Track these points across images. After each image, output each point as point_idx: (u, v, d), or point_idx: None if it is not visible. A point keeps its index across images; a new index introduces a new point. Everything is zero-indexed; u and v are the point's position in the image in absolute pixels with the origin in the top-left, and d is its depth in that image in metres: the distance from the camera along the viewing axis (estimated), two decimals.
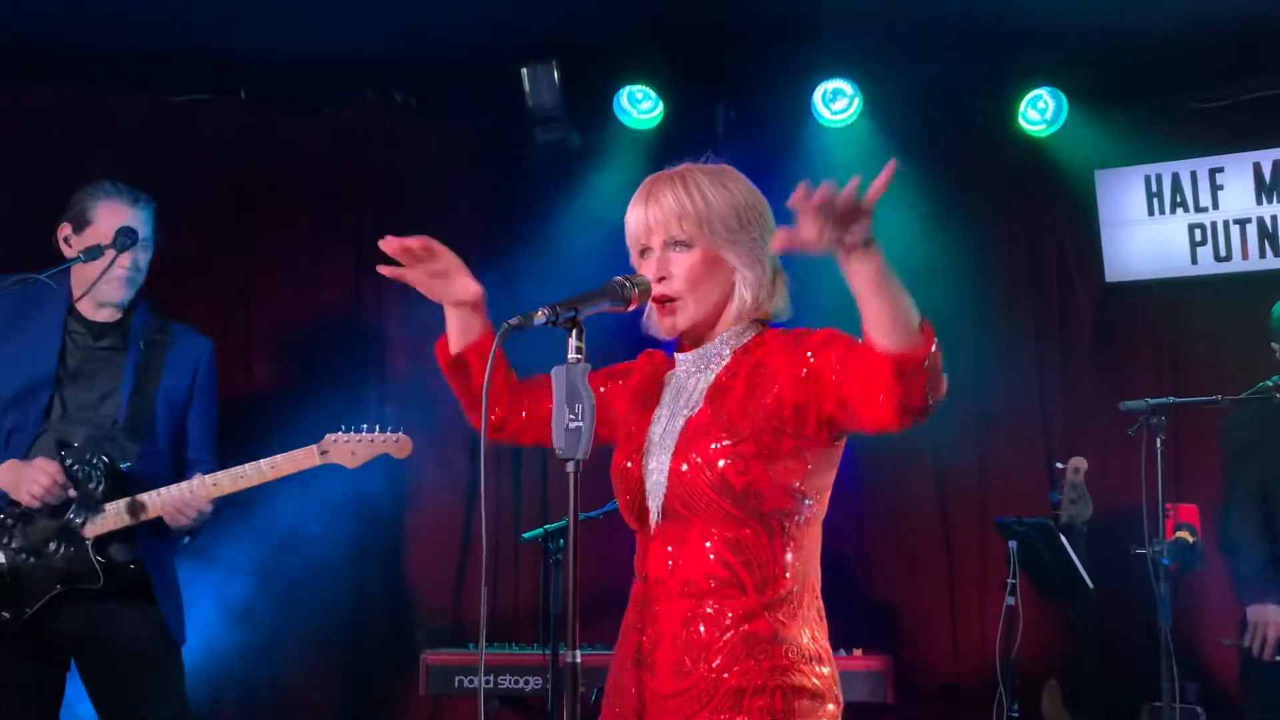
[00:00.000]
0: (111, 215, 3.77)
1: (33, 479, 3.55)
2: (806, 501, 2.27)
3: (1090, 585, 4.69)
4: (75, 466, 3.62)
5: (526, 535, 4.40)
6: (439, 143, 5.86)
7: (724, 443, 2.24)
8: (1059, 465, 5.08)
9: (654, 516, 2.30)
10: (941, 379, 2.08)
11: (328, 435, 3.82)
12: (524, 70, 5.44)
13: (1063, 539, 4.71)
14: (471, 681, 4.81)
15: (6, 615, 3.55)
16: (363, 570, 5.63)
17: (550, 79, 5.43)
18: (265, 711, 5.51)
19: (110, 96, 5.55)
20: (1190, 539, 4.13)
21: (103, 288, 3.75)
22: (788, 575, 2.25)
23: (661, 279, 2.36)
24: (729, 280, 2.37)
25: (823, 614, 2.33)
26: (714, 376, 2.35)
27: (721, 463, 2.22)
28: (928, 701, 5.59)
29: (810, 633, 2.26)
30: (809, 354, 2.24)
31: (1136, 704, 4.84)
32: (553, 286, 2.36)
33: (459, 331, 2.52)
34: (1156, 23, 5.09)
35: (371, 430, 3.85)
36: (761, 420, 2.23)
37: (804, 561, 2.28)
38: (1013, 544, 4.82)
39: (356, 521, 5.46)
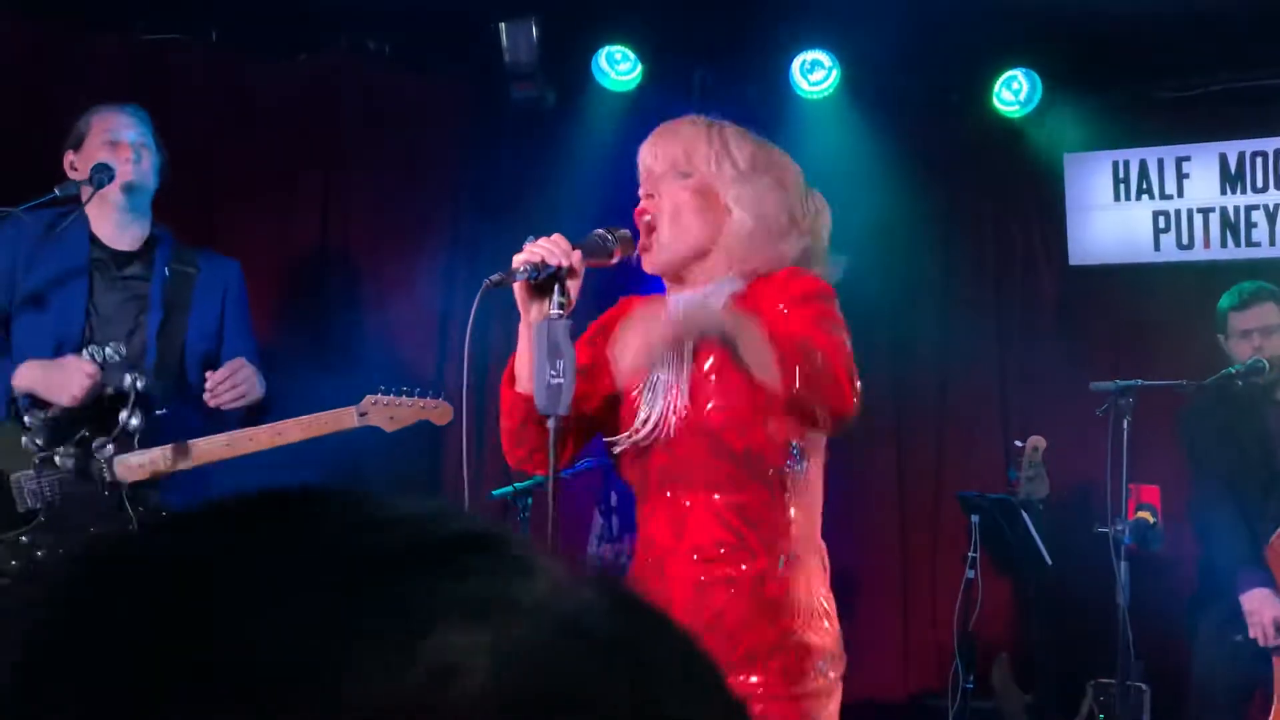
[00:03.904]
0: (102, 124, 3.71)
1: (70, 379, 3.39)
2: (808, 456, 2.29)
3: (1049, 562, 4.76)
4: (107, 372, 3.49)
5: (495, 493, 4.39)
6: (412, 94, 5.78)
7: (720, 405, 2.23)
8: (1018, 444, 5.13)
9: (657, 477, 2.29)
10: (829, 383, 2.12)
11: (367, 397, 3.69)
12: (502, 25, 5.39)
13: (1024, 516, 4.78)
14: None
15: (41, 554, 3.43)
16: None
17: (529, 35, 5.37)
18: None
19: (77, 33, 5.42)
20: (1151, 519, 4.19)
21: (116, 194, 3.65)
22: (793, 531, 2.28)
23: (649, 196, 2.33)
24: (717, 222, 2.32)
25: (826, 564, 2.35)
26: None
27: (719, 426, 2.22)
28: (883, 672, 5.65)
29: (817, 589, 2.29)
30: (782, 306, 2.23)
31: (1086, 679, 4.93)
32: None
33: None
34: (1132, 9, 5.11)
35: (413, 393, 3.73)
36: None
37: (807, 516, 2.32)
38: (975, 518, 4.89)
39: (323, 471, 5.40)
